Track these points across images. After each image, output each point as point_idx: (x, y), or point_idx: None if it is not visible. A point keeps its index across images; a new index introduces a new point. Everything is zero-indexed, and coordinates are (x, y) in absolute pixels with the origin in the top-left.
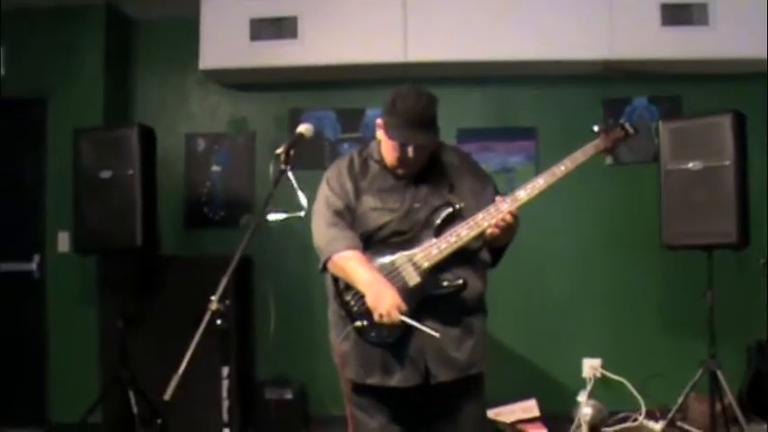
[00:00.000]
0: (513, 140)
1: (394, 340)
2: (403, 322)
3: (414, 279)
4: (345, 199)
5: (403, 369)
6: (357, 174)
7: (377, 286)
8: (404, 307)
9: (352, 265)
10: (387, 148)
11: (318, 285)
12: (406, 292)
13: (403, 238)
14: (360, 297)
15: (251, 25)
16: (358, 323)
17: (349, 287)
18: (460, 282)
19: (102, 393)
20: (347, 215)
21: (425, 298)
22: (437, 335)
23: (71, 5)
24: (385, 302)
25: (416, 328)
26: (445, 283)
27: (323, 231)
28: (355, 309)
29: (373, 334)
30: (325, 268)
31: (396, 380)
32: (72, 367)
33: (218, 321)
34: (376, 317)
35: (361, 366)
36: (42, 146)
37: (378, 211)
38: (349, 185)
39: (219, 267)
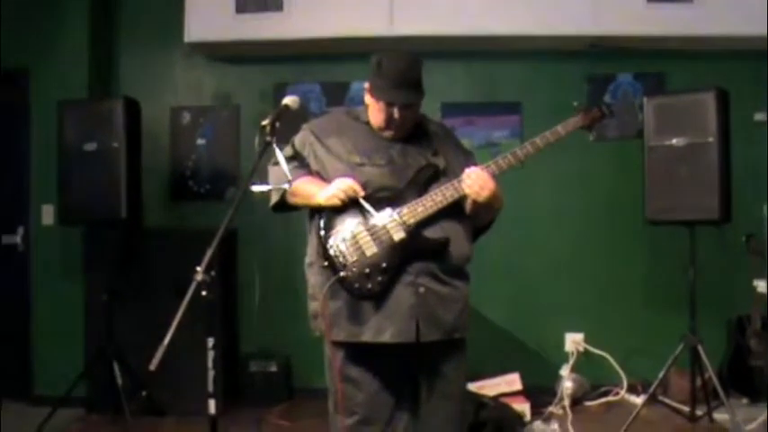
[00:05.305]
0: (497, 115)
1: (378, 291)
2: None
3: (399, 234)
4: (300, 149)
5: (395, 324)
6: (331, 128)
7: (327, 187)
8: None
9: (305, 186)
10: (374, 112)
11: (303, 258)
12: (392, 248)
13: (390, 193)
14: (343, 248)
15: None
16: (342, 273)
17: (331, 235)
18: (444, 237)
19: (87, 366)
20: (299, 160)
21: (411, 253)
22: (374, 212)
23: None
24: (333, 186)
25: (366, 209)
26: (430, 239)
27: (271, 169)
28: (340, 259)
29: (357, 285)
30: (279, 206)
31: (389, 335)
32: (56, 340)
33: (204, 292)
34: (337, 200)
35: (353, 325)
36: (26, 118)
37: (365, 166)
38: (312, 138)
39: (204, 240)
